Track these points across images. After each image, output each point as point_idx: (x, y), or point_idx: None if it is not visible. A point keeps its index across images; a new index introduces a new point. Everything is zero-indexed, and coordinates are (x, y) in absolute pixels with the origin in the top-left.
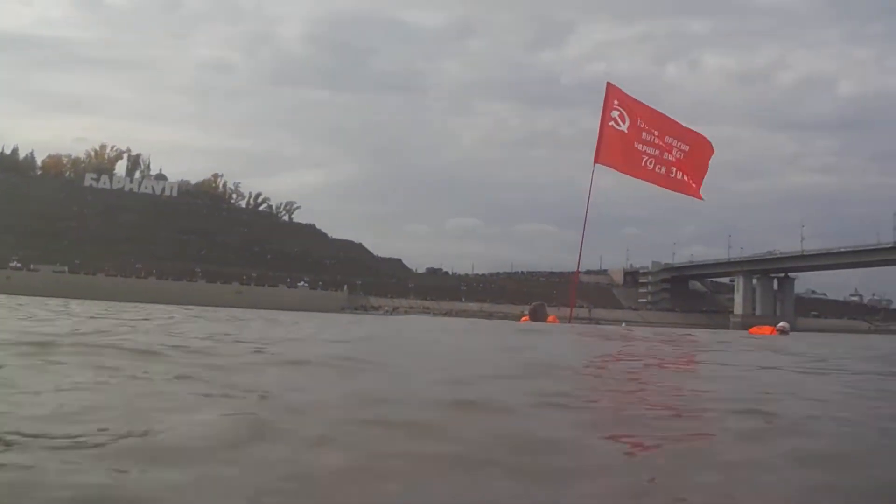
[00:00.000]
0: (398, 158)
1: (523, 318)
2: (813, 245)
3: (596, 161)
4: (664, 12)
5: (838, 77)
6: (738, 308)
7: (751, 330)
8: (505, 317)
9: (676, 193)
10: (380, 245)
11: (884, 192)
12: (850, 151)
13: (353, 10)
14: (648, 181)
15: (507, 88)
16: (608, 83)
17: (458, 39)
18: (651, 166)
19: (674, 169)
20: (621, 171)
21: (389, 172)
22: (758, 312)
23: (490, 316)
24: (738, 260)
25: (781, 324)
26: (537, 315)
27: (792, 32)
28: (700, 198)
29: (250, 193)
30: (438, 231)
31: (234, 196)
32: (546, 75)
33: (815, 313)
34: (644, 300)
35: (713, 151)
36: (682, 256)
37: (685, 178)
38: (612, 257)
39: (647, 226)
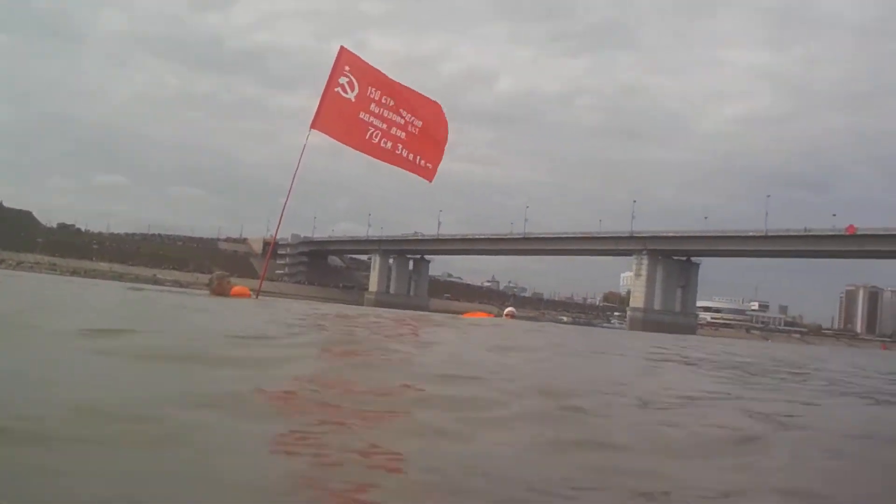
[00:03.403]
0: (47, 107)
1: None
2: (455, 230)
3: (313, 126)
4: None
5: (500, 73)
6: (373, 285)
7: (465, 314)
8: (136, 279)
9: (402, 169)
10: (14, 196)
11: (530, 186)
12: (500, 144)
13: None
14: (370, 155)
15: (168, 46)
16: (342, 47)
17: None
18: (377, 139)
19: (400, 146)
20: (340, 141)
21: (36, 121)
22: (392, 290)
23: (120, 277)
24: (376, 238)
25: (509, 309)
26: (218, 288)
27: (459, 26)
28: (429, 179)
29: None
30: (84, 186)
31: None
32: (210, 38)
33: (448, 295)
34: (282, 271)
35: (446, 124)
36: (334, 232)
37: (411, 156)
38: (257, 226)
39: (299, 199)
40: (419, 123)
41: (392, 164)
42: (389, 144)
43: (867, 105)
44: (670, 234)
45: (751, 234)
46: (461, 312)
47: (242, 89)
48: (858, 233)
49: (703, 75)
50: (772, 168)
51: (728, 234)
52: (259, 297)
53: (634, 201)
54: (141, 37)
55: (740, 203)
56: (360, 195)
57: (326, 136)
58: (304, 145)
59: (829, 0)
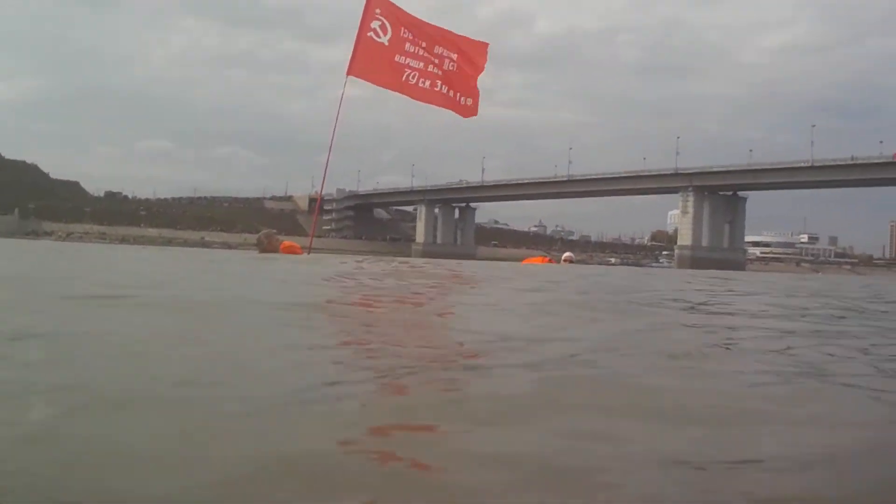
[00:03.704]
0: (87, 75)
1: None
2: (499, 177)
3: (349, 73)
4: None
5: (536, 15)
6: (419, 236)
7: (525, 261)
8: (184, 243)
9: (444, 109)
10: (60, 167)
11: (572, 128)
12: (541, 87)
13: None
14: (410, 96)
15: (204, 4)
16: None
17: None
18: (414, 80)
19: (439, 82)
20: (379, 85)
21: (76, 89)
22: (439, 240)
23: (169, 242)
24: (420, 189)
25: (567, 254)
26: (268, 246)
27: None
28: (466, 115)
29: None
30: (128, 153)
31: None
32: None
33: (496, 243)
34: (328, 227)
35: (486, 49)
36: (380, 184)
37: (451, 92)
38: (303, 184)
39: (342, 153)
40: (455, 56)
41: (433, 103)
42: (428, 83)
43: None
44: (715, 170)
45: (797, 165)
46: (513, 259)
47: (281, 45)
48: None
49: (744, 4)
50: (816, 97)
51: (773, 167)
52: (310, 253)
53: (678, 137)
54: None
55: (785, 134)
56: (404, 147)
57: (367, 87)
58: (342, 94)
59: None
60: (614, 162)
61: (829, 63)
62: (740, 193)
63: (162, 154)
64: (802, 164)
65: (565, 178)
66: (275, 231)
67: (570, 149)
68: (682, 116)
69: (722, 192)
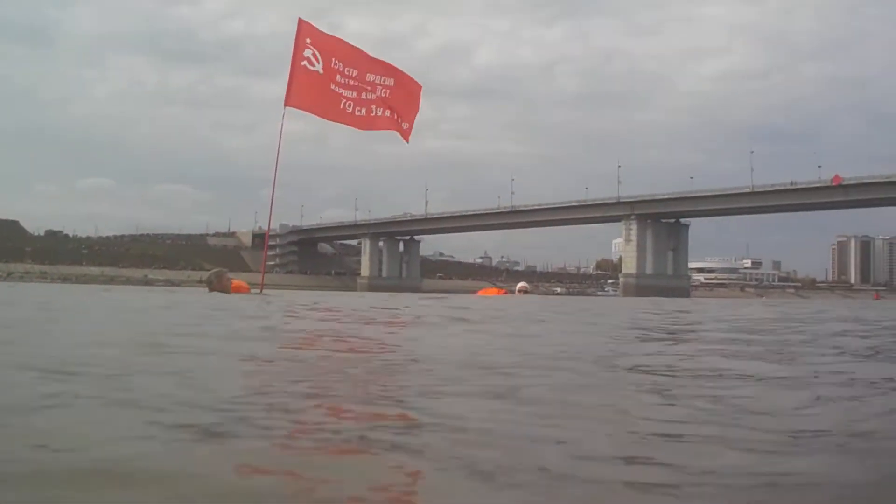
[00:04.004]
0: (25, 113)
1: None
2: (443, 209)
3: (287, 104)
4: None
5: (475, 48)
6: (364, 270)
7: (479, 292)
8: (127, 281)
9: (381, 130)
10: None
11: (515, 159)
12: (482, 119)
13: None
14: (348, 125)
15: (141, 42)
16: (300, 19)
17: None
18: (350, 108)
19: (374, 107)
20: (317, 115)
21: (15, 127)
22: (384, 274)
23: (111, 280)
24: (364, 223)
25: (521, 284)
26: (218, 285)
27: (432, 1)
28: (406, 138)
29: None
30: (68, 192)
31: None
32: (183, 31)
33: (441, 275)
34: (273, 262)
35: (420, 87)
36: (323, 218)
37: (388, 113)
38: (246, 219)
39: (286, 188)
40: (390, 82)
41: (372, 128)
42: (364, 111)
43: (845, 52)
44: (657, 197)
45: (737, 191)
46: (460, 291)
47: (220, 80)
48: (844, 182)
49: (679, 33)
50: (754, 122)
51: (714, 193)
52: (263, 292)
53: (619, 166)
54: (112, 35)
55: (725, 160)
56: (346, 180)
57: (308, 120)
58: (281, 126)
59: None
60: (557, 191)
61: (765, 89)
62: (682, 220)
63: (103, 191)
64: (743, 191)
65: (508, 209)
66: (225, 270)
67: (513, 179)
68: (624, 144)
69: (664, 219)
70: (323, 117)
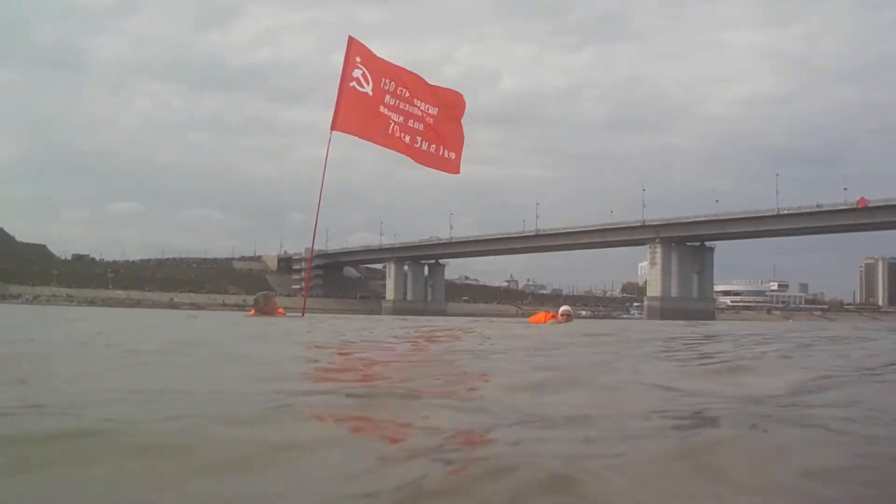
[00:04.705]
0: (56, 139)
1: (251, 312)
2: (468, 233)
3: (333, 128)
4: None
5: (501, 74)
6: (389, 293)
7: (531, 319)
8: (152, 305)
9: (425, 167)
10: (28, 231)
11: (540, 184)
12: (508, 144)
13: None
14: (395, 150)
15: (169, 69)
16: (350, 37)
17: (120, 16)
18: (398, 133)
19: (419, 138)
20: (364, 139)
21: (46, 153)
22: (409, 297)
23: (137, 304)
24: (389, 247)
25: (563, 307)
26: (265, 307)
27: (458, 29)
28: (452, 171)
29: None
30: (96, 216)
31: None
32: (211, 58)
33: (466, 298)
34: (297, 287)
35: (464, 107)
36: (349, 242)
37: (431, 147)
38: (271, 244)
39: (312, 213)
40: (434, 111)
41: (414, 160)
42: (408, 138)
43: (870, 76)
44: (682, 221)
45: (763, 213)
46: (484, 314)
47: (247, 107)
48: (871, 205)
49: (704, 59)
50: (779, 146)
51: (739, 216)
52: (305, 315)
53: (644, 189)
54: (142, 62)
55: (750, 184)
56: (373, 205)
57: (336, 146)
58: (328, 150)
59: None
60: (582, 215)
61: (791, 112)
62: (707, 243)
63: (131, 216)
64: (768, 213)
65: (533, 233)
66: (273, 293)
67: (538, 204)
68: (648, 169)
69: (689, 242)
70: (371, 142)
